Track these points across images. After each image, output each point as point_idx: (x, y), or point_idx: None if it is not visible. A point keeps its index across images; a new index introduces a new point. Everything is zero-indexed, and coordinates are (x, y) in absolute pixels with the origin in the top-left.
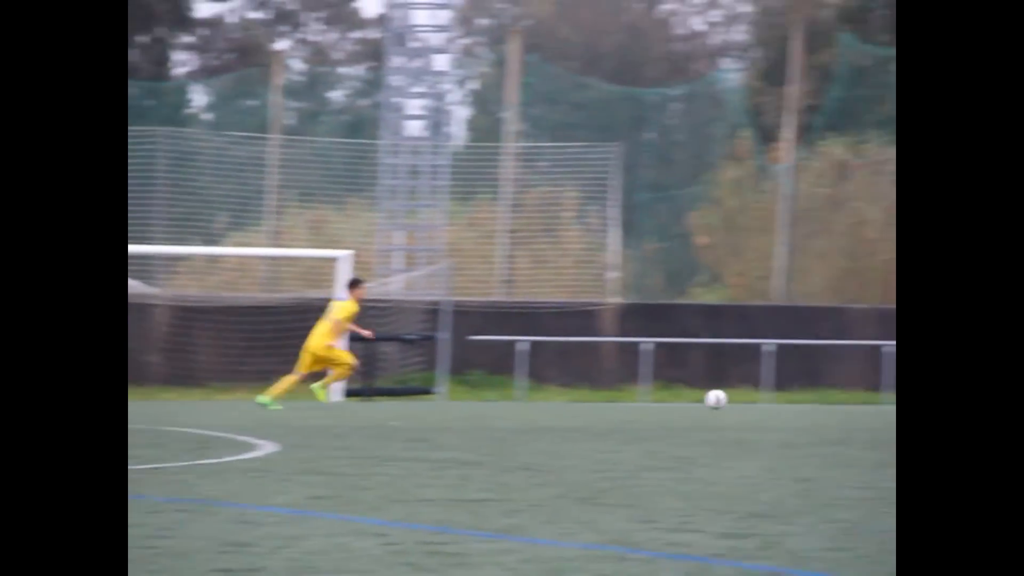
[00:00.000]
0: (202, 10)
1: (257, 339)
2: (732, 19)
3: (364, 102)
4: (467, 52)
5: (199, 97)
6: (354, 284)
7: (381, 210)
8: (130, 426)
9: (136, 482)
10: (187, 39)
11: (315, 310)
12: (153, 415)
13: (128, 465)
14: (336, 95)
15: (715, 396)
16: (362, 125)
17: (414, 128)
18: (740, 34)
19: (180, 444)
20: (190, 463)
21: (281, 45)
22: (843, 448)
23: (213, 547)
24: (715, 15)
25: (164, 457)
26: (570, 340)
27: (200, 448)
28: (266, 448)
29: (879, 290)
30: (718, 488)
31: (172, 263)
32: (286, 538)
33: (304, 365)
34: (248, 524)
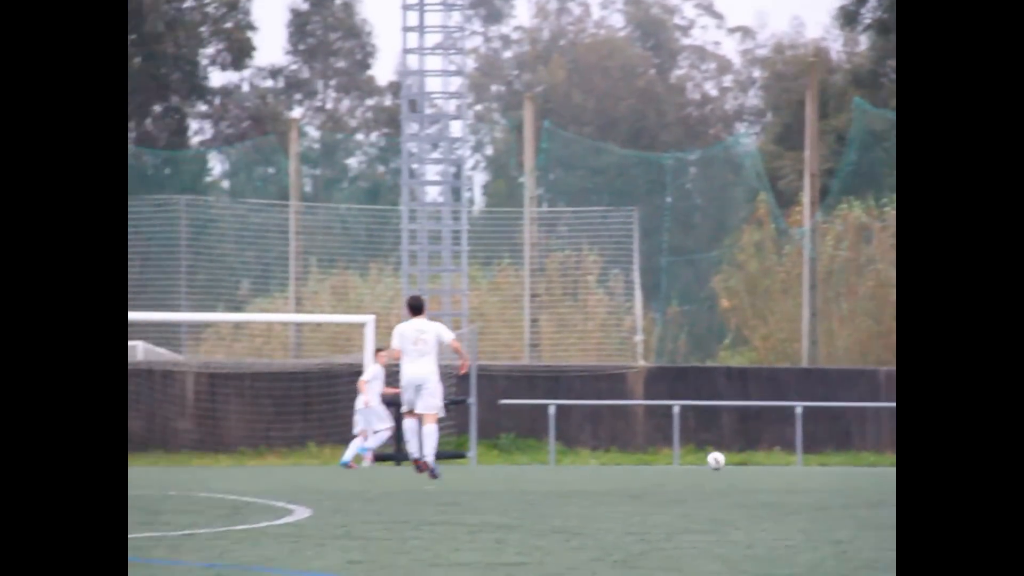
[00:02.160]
0: (216, 79)
1: (286, 405)
2: (745, 84)
3: (381, 168)
4: (482, 118)
5: (217, 165)
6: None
7: (403, 275)
8: (162, 492)
9: (171, 548)
10: (202, 108)
11: (342, 375)
12: (185, 481)
13: (142, 532)
14: (353, 162)
15: (714, 458)
16: (380, 191)
17: (432, 193)
18: (754, 99)
19: (213, 510)
20: (224, 528)
21: (296, 113)
22: (877, 510)
23: None
24: (728, 80)
25: (198, 523)
26: (600, 403)
27: (233, 513)
28: (300, 513)
29: None
30: (755, 551)
31: (198, 330)
32: None
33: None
34: None
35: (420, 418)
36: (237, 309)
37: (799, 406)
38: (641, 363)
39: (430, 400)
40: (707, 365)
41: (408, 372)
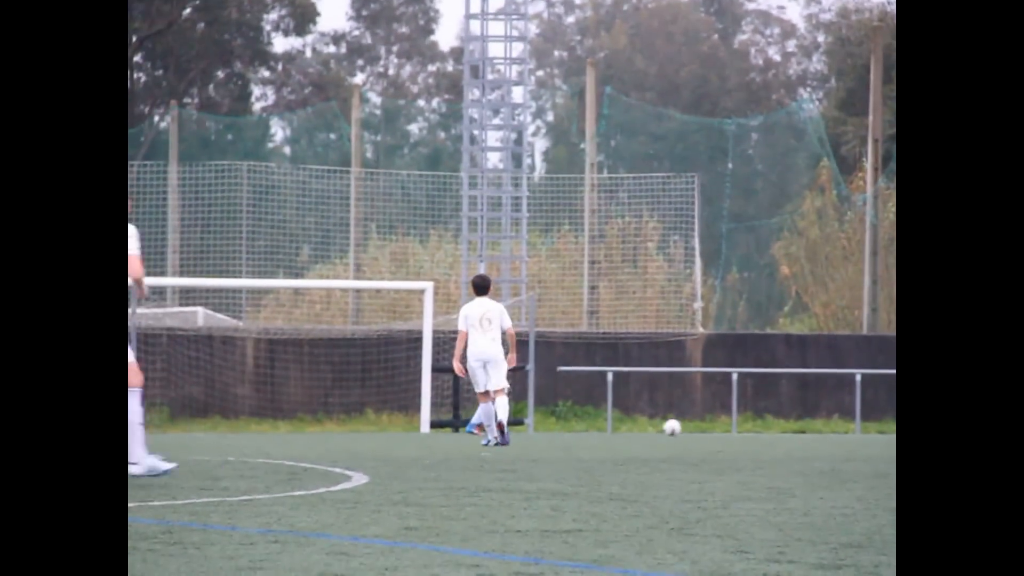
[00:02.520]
0: (279, 45)
1: (344, 371)
2: (809, 49)
3: (442, 135)
4: (543, 84)
5: (279, 131)
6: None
7: (463, 242)
8: (221, 458)
9: (229, 513)
10: (265, 74)
11: (401, 342)
12: (243, 447)
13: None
14: (414, 128)
15: (670, 427)
16: (441, 157)
17: (493, 160)
18: (817, 64)
19: (271, 475)
20: (282, 494)
21: (358, 79)
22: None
23: None
24: (791, 45)
25: (256, 488)
26: (658, 371)
27: (291, 479)
28: (357, 479)
29: None
30: (812, 519)
31: (258, 296)
32: (380, 569)
33: None
34: (342, 555)
35: (492, 395)
36: (297, 275)
37: (858, 373)
38: (700, 330)
39: (500, 376)
40: (766, 332)
41: (476, 350)
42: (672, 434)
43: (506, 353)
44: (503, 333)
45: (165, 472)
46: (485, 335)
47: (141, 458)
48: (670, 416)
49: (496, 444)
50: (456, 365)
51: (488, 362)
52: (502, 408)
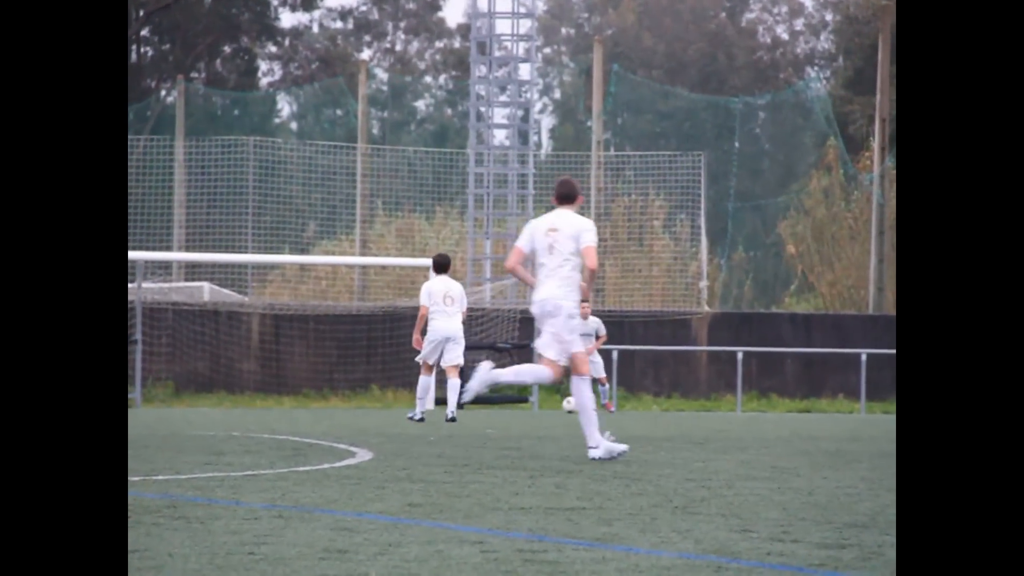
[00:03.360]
0: (286, 20)
1: (350, 347)
2: (817, 27)
3: (449, 111)
4: (551, 61)
5: (285, 107)
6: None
7: (469, 219)
8: (225, 433)
9: (233, 488)
10: (272, 49)
11: (406, 318)
12: (248, 422)
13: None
14: (421, 104)
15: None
16: (447, 134)
17: (500, 137)
18: (825, 42)
19: (276, 451)
20: (286, 469)
21: (365, 55)
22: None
23: (313, 553)
24: (799, 24)
25: (260, 464)
26: (663, 349)
27: (296, 455)
28: (361, 456)
29: None
30: (816, 498)
31: (263, 271)
32: (384, 545)
33: None
34: (346, 531)
35: (447, 372)
36: (303, 251)
37: (864, 353)
38: (705, 309)
39: (457, 353)
40: (771, 311)
41: (438, 326)
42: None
43: (464, 331)
44: (463, 309)
45: (621, 454)
46: (447, 312)
47: (599, 441)
48: (675, 395)
49: (448, 420)
50: (416, 337)
51: (449, 339)
52: (455, 388)
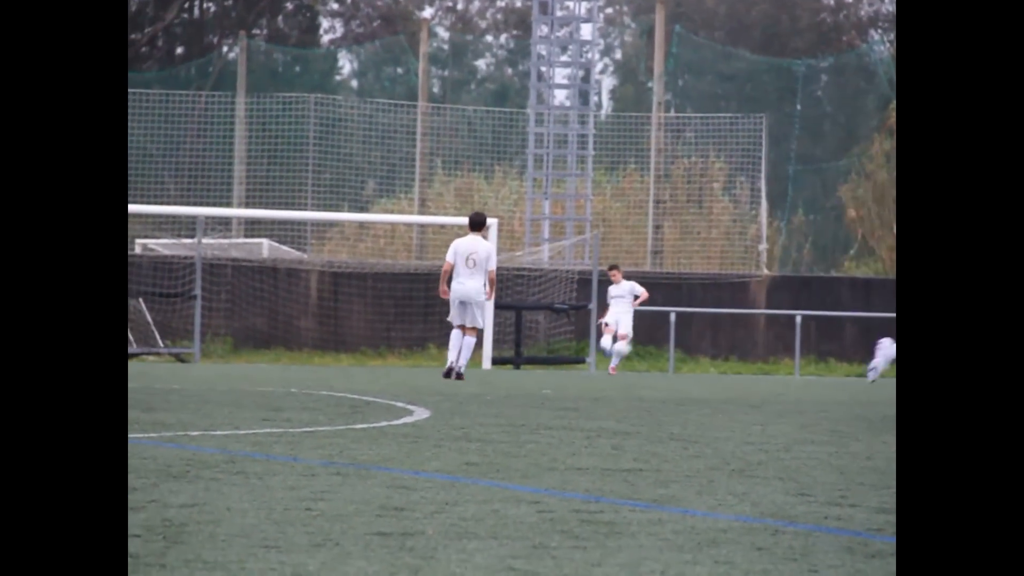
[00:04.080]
0: None
1: (407, 306)
2: None
3: (510, 71)
4: (612, 21)
5: (346, 64)
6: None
7: (528, 179)
8: (284, 389)
9: (291, 444)
10: (334, 6)
11: None
12: (305, 379)
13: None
14: (482, 63)
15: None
16: (508, 94)
17: (560, 97)
18: (890, 5)
19: (333, 408)
20: (344, 427)
21: (427, 13)
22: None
23: (370, 511)
24: None
25: (318, 421)
26: (721, 312)
27: (353, 412)
28: (419, 414)
29: None
30: (873, 463)
31: (323, 229)
32: (441, 503)
33: None
34: (403, 489)
35: (464, 332)
36: (362, 209)
37: None
38: (764, 272)
39: (476, 316)
40: (831, 275)
41: (458, 287)
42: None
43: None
44: (486, 271)
45: (454, 373)
46: (468, 273)
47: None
48: (733, 358)
49: (455, 376)
50: (442, 288)
51: (466, 302)
52: (468, 349)
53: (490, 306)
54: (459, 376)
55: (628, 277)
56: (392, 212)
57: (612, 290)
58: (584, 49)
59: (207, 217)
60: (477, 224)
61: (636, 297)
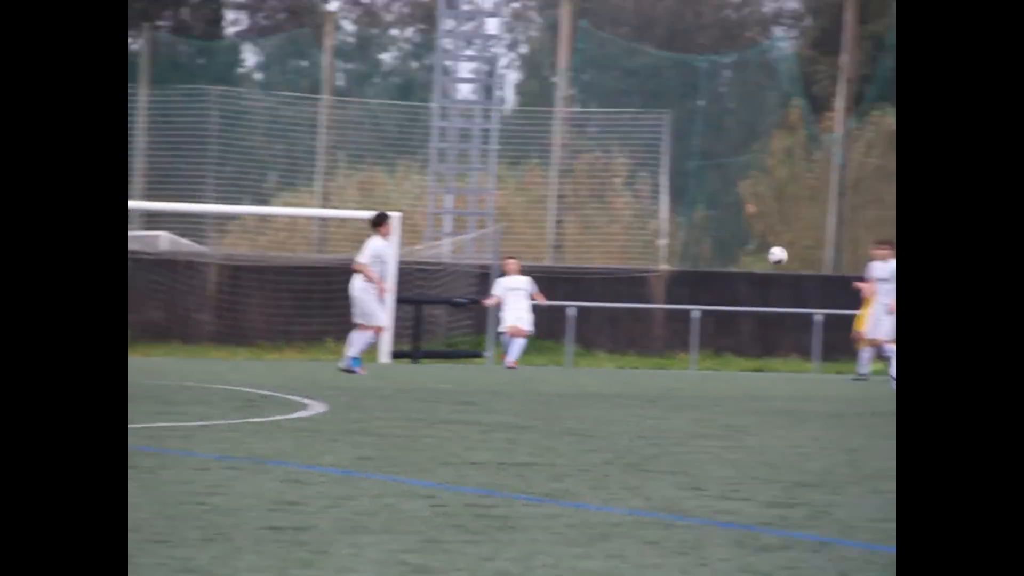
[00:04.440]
0: None
1: (307, 300)
2: None
3: (415, 65)
4: (518, 16)
5: (250, 57)
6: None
7: (431, 173)
8: (179, 383)
9: (185, 438)
10: None
11: None
12: (202, 373)
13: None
14: (387, 57)
15: (776, 254)
16: (413, 88)
17: (465, 91)
18: (792, 2)
19: (229, 402)
20: (239, 421)
21: (332, 6)
22: (892, 419)
23: (262, 505)
24: None
25: (212, 414)
26: (619, 306)
27: (249, 406)
28: (315, 408)
29: None
30: (766, 457)
31: (223, 222)
32: (335, 498)
33: None
34: (297, 483)
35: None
36: (263, 202)
37: (819, 314)
38: (662, 266)
39: (354, 311)
40: (729, 270)
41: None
42: (778, 262)
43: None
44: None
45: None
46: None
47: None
48: (630, 352)
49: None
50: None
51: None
52: (350, 342)
53: (388, 300)
54: (349, 371)
55: (527, 272)
56: (294, 205)
57: (507, 282)
58: (489, 43)
59: None
60: (375, 223)
61: (531, 296)
